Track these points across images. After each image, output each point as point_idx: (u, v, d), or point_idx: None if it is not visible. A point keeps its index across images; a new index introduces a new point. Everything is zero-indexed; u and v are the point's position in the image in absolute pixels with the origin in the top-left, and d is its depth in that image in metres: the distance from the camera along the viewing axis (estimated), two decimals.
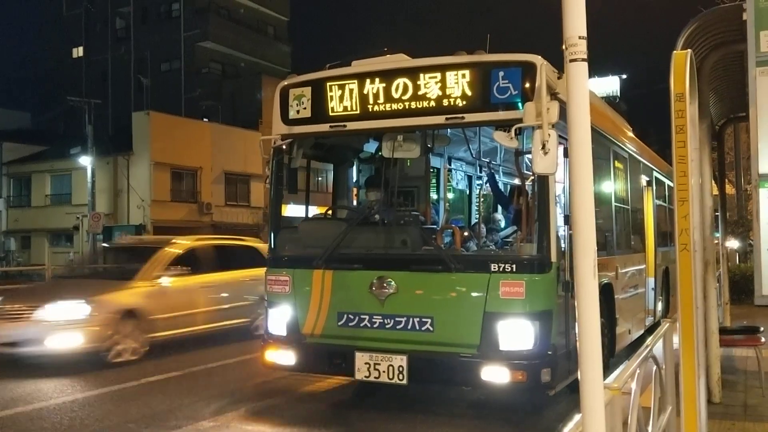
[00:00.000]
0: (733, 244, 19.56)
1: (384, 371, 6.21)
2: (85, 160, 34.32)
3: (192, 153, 36.78)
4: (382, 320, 6.33)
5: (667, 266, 12.40)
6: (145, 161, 35.50)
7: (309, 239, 7.05)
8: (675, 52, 3.70)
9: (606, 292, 7.68)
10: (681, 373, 3.62)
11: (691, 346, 3.54)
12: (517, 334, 5.90)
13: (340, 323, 6.52)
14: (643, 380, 3.91)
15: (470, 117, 6.14)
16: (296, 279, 6.80)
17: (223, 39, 51.54)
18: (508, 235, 7.77)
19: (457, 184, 10.21)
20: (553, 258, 5.98)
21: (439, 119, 6.24)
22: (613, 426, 2.68)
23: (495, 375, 5.90)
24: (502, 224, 8.33)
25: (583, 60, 2.28)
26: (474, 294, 6.08)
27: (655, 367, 4.41)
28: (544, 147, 5.03)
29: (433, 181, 9.47)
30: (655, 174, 11.94)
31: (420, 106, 6.24)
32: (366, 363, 6.28)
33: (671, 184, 13.61)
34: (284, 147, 6.96)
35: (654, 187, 11.67)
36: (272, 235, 7.23)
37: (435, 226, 8.24)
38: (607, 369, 7.09)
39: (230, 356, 10.29)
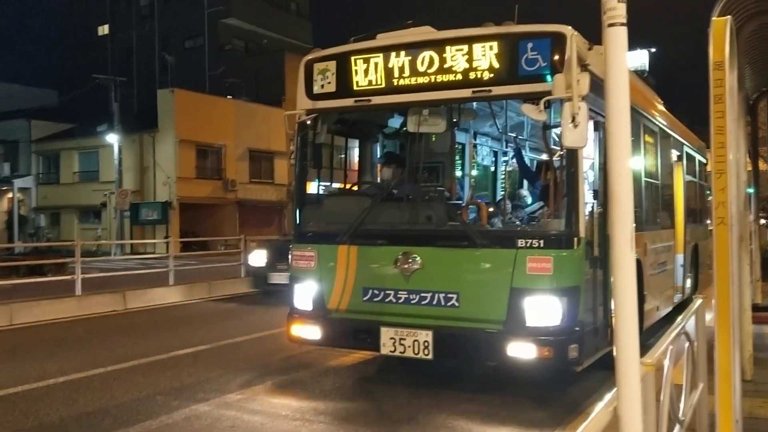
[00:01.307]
0: (764, 220, 19.24)
1: (409, 346, 6.20)
2: (112, 138, 34.65)
3: (216, 130, 36.93)
4: (407, 296, 6.30)
5: (696, 243, 12.20)
6: (171, 138, 35.71)
7: (334, 215, 7.04)
8: (714, 18, 3.59)
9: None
10: (716, 350, 3.55)
11: (727, 322, 3.47)
12: (544, 310, 5.83)
13: (365, 298, 6.51)
14: (675, 357, 3.84)
15: (497, 90, 6.01)
16: (321, 254, 6.80)
17: (247, 15, 51.44)
18: (535, 211, 7.66)
19: (482, 159, 10.07)
20: (581, 234, 5.86)
21: (466, 93, 6.12)
22: (647, 402, 2.63)
23: (521, 351, 5.84)
24: (529, 200, 8.22)
25: (622, 24, 2.20)
26: (500, 270, 6.00)
27: (687, 344, 4.33)
28: (573, 120, 4.99)
29: (459, 156, 9.33)
30: (685, 149, 11.73)
31: (446, 80, 6.13)
32: (391, 338, 6.28)
33: (702, 159, 13.46)
34: (309, 122, 6.90)
35: (684, 163, 11.46)
36: (297, 210, 7.19)
37: (460, 202, 8.14)
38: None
39: (257, 330, 10.37)
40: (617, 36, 2.20)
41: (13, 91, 49.67)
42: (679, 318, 4.25)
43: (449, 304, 6.14)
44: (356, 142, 8.73)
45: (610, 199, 2.29)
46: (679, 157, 11.19)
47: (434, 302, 6.19)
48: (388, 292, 6.39)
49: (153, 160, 36.54)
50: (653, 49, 55.17)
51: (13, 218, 39.53)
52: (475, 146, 9.64)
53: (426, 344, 6.13)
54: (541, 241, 5.85)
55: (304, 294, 6.89)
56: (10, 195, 40.84)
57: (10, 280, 14.15)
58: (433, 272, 6.23)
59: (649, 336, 7.92)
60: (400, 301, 6.34)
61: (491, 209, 7.34)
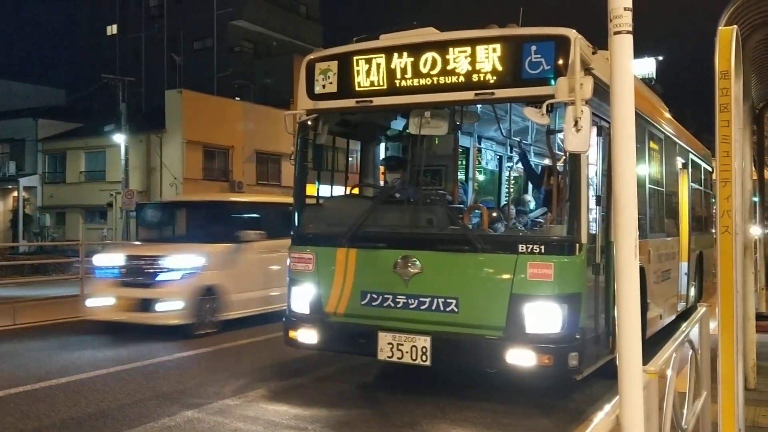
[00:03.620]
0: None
1: (407, 352, 6.10)
2: (119, 138, 34.70)
3: (224, 132, 36.95)
4: (406, 300, 6.21)
5: (701, 251, 12.10)
6: (178, 139, 35.75)
7: (333, 217, 6.96)
8: (720, 28, 3.58)
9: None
10: (719, 359, 3.53)
11: (731, 331, 3.46)
12: (545, 316, 5.76)
13: (363, 302, 6.42)
14: (679, 365, 3.83)
15: (500, 93, 5.95)
16: (320, 257, 6.69)
17: (256, 17, 51.54)
18: (537, 216, 7.62)
19: (486, 163, 9.97)
20: (583, 240, 5.80)
21: (468, 95, 6.05)
22: (649, 410, 2.62)
23: (521, 358, 5.77)
24: (532, 205, 8.18)
25: (628, 32, 2.20)
26: (501, 275, 5.92)
27: (691, 352, 4.32)
28: (576, 124, 4.94)
29: (462, 160, 9.26)
30: (691, 156, 11.64)
31: (449, 82, 6.06)
32: (389, 343, 6.18)
33: (708, 167, 13.38)
34: (309, 123, 6.82)
35: (690, 170, 11.39)
36: (296, 212, 7.08)
37: (462, 206, 8.09)
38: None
39: (259, 334, 10.34)
40: (623, 43, 2.20)
41: (20, 89, 49.87)
42: (683, 326, 4.24)
43: (448, 309, 6.06)
44: (357, 144, 8.62)
45: (614, 205, 2.28)
46: (685, 165, 11.13)
47: (433, 307, 6.10)
48: (386, 296, 6.30)
49: (160, 160, 36.60)
50: (660, 57, 55.13)
51: (19, 217, 39.63)
52: (479, 150, 9.59)
53: (424, 350, 6.05)
54: (543, 247, 5.77)
55: (302, 297, 6.79)
56: (15, 194, 40.95)
57: (15, 279, 14.17)
58: (432, 277, 6.15)
59: (652, 345, 7.77)
60: (399, 305, 6.24)
61: (494, 214, 7.28)
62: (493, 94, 5.95)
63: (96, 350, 9.27)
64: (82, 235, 34.71)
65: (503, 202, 9.59)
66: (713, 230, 14.08)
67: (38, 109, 44.17)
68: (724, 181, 3.39)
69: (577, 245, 5.76)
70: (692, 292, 11.50)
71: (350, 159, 9.20)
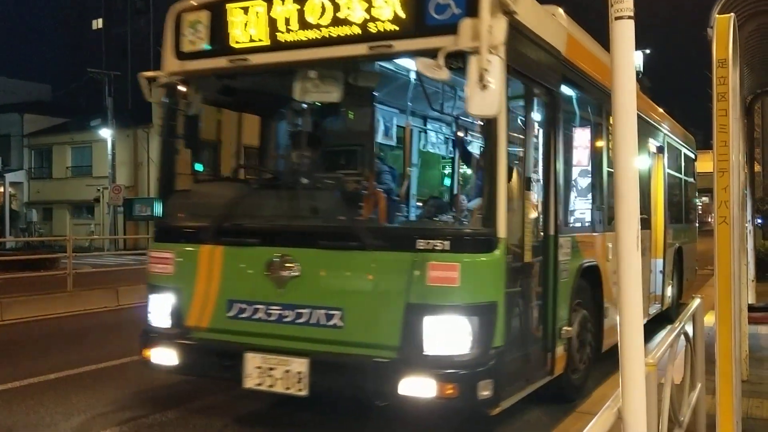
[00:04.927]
0: (758, 221, 19.31)
1: (280, 378, 4.85)
2: (106, 133, 34.54)
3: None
4: (280, 312, 4.96)
5: (680, 246, 11.17)
6: None
7: (201, 206, 5.68)
8: (717, 16, 3.56)
9: (590, 277, 6.46)
10: (716, 351, 3.52)
11: (728, 322, 3.45)
12: (448, 333, 4.53)
13: (230, 314, 5.16)
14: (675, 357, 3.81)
15: (400, 45, 4.71)
16: (180, 256, 5.44)
17: None
18: (452, 203, 6.48)
19: (424, 146, 8.09)
20: (501, 233, 4.56)
21: (361, 48, 4.81)
22: (649, 403, 2.59)
23: (417, 387, 4.50)
24: (454, 193, 6.98)
25: (630, 18, 2.15)
26: (394, 279, 4.65)
27: (686, 344, 4.31)
28: (482, 80, 4.01)
29: (371, 136, 7.05)
30: (668, 140, 10.60)
31: (339, 33, 4.88)
32: (258, 367, 4.93)
33: (690, 154, 12.90)
34: (176, 88, 5.57)
35: (666, 156, 10.34)
36: (161, 201, 5.86)
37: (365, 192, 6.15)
38: (589, 370, 6.53)
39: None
40: (624, 29, 2.15)
41: (5, 84, 49.48)
42: (679, 317, 4.22)
43: (331, 323, 4.81)
44: (237, 115, 6.99)
45: (615, 198, 2.24)
46: (660, 149, 10.08)
47: (313, 321, 4.85)
48: (257, 306, 5.04)
49: (147, 155, 36.41)
50: (648, 51, 55.31)
51: (5, 213, 39.35)
52: (422, 131, 7.99)
53: (300, 376, 4.79)
54: (446, 243, 4.53)
55: (160, 307, 5.49)
56: (1, 189, 40.67)
57: (1, 275, 14.04)
58: (313, 282, 4.91)
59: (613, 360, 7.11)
60: (272, 318, 5.00)
61: (396, 198, 6.09)
62: (391, 46, 4.72)
63: (83, 347, 9.17)
64: (69, 230, 34.50)
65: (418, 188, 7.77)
66: (696, 223, 13.82)
67: (24, 104, 43.86)
68: (721, 171, 3.37)
69: (493, 240, 4.54)
70: (669, 291, 10.49)
71: (221, 132, 7.16)
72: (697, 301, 4.60)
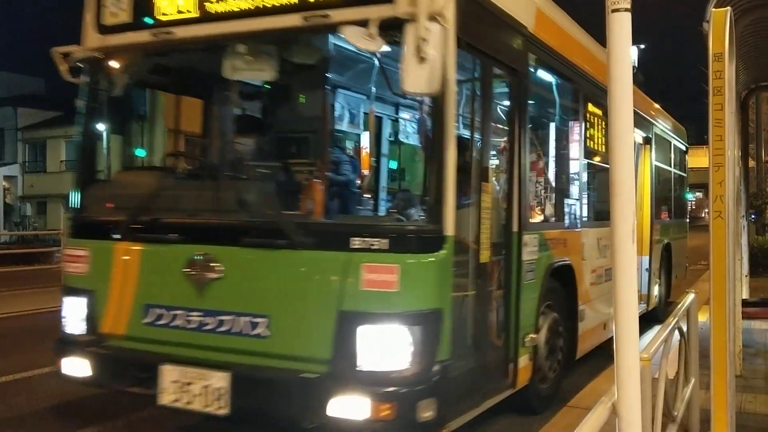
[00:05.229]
0: (752, 216, 19.38)
1: (198, 395, 4.26)
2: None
3: None
4: (201, 318, 4.39)
5: (668, 242, 10.66)
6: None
7: (121, 198, 5.03)
8: (713, 9, 3.55)
9: (562, 277, 6.04)
10: (711, 346, 3.53)
11: (723, 317, 3.45)
12: (384, 346, 3.95)
13: (145, 321, 4.59)
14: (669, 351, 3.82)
15: (337, 14, 4.13)
16: (95, 255, 4.88)
17: None
18: (396, 195, 5.89)
19: (369, 131, 7.23)
20: (448, 230, 4.01)
21: (295, 19, 4.32)
22: (643, 398, 2.60)
23: (348, 408, 3.94)
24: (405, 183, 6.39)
25: (627, 10, 2.14)
26: (325, 283, 4.10)
27: (680, 339, 4.32)
28: (419, 51, 3.55)
29: (331, 125, 6.57)
30: (655, 130, 10.12)
31: (271, 3, 4.40)
32: (174, 382, 4.35)
33: (681, 146, 12.62)
34: (98, 65, 5.06)
35: (654, 147, 9.92)
36: (78, 191, 5.20)
37: (331, 188, 5.55)
38: (561, 378, 6.12)
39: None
40: (622, 22, 2.14)
41: None
42: (673, 312, 4.23)
43: (256, 332, 4.23)
44: (164, 97, 6.29)
45: (611, 191, 2.23)
46: (647, 140, 9.70)
47: (236, 329, 4.28)
48: (175, 312, 4.48)
49: None
50: (642, 46, 55.35)
51: None
52: (395, 119, 7.29)
53: (221, 392, 4.21)
54: (384, 241, 3.96)
55: (75, 312, 4.93)
56: None
57: None
58: (237, 285, 4.35)
59: (590, 364, 6.90)
60: (191, 326, 4.42)
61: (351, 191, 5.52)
62: (327, 16, 4.18)
63: None
64: (64, 224, 34.35)
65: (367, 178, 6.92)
66: (686, 218, 13.28)
67: (17, 97, 43.67)
68: (717, 165, 3.36)
69: (439, 238, 3.98)
70: (656, 290, 10.01)
71: (149, 116, 6.40)
72: (691, 296, 4.61)
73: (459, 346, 4.30)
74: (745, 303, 7.47)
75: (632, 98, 2.23)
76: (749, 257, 12.02)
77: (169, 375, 4.36)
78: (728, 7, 3.55)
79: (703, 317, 5.40)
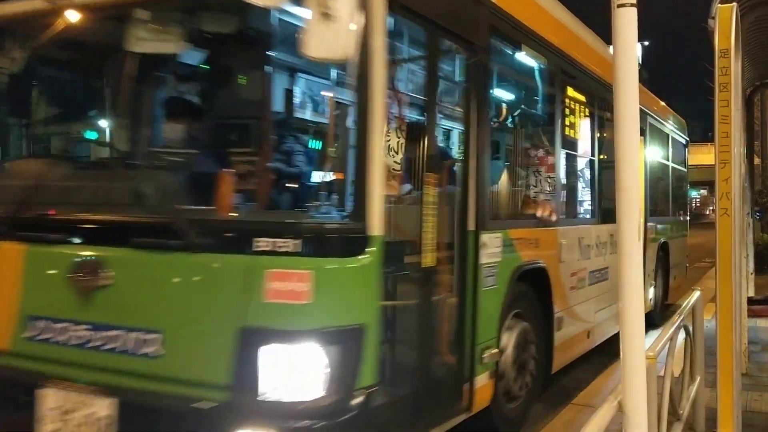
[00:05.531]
0: (757, 213, 19.31)
1: (81, 424, 3.55)
2: None
3: None
4: (86, 333, 3.65)
5: (665, 241, 9.91)
6: None
7: (3, 190, 4.28)
8: (719, 6, 3.53)
9: (534, 282, 5.30)
10: (717, 344, 3.52)
11: (729, 315, 3.44)
12: (293, 370, 3.22)
13: (26, 335, 3.83)
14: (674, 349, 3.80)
15: None
16: None
17: None
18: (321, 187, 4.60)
19: (294, 112, 6.19)
20: (375, 229, 3.31)
21: None
22: (649, 396, 2.59)
23: None
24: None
25: (633, 5, 2.12)
26: (225, 293, 3.37)
27: (686, 337, 4.30)
28: (323, 6, 2.88)
29: (250, 106, 5.11)
30: (651, 121, 9.35)
31: None
32: (53, 408, 3.62)
33: (680, 139, 12.29)
34: None
35: (648, 139, 9.19)
36: None
37: (242, 178, 4.42)
38: (534, 394, 5.37)
39: None
40: (627, 17, 2.12)
41: None
42: (679, 311, 4.21)
43: (148, 351, 3.49)
44: (55, 74, 5.36)
45: (617, 187, 2.21)
46: (641, 131, 8.56)
47: (126, 347, 3.54)
48: (57, 325, 3.73)
49: None
50: (646, 43, 55.23)
51: None
52: (259, 85, 4.98)
53: (106, 423, 3.50)
54: (295, 242, 3.23)
55: None
56: None
57: None
58: (128, 294, 3.62)
59: (575, 374, 6.48)
60: (75, 342, 3.67)
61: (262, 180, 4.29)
62: None
63: None
64: None
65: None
66: (686, 215, 12.48)
67: None
68: (723, 162, 3.33)
69: (363, 239, 3.30)
70: (651, 293, 9.22)
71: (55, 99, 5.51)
72: (696, 294, 4.59)
73: (394, 368, 3.63)
74: (750, 301, 7.44)
75: (638, 95, 2.21)
76: (754, 255, 11.97)
77: (47, 400, 3.63)
78: (734, 3, 3.53)
79: (707, 315, 5.37)
